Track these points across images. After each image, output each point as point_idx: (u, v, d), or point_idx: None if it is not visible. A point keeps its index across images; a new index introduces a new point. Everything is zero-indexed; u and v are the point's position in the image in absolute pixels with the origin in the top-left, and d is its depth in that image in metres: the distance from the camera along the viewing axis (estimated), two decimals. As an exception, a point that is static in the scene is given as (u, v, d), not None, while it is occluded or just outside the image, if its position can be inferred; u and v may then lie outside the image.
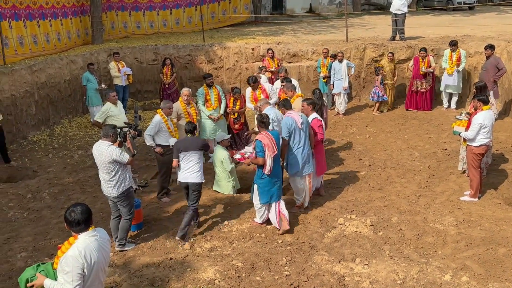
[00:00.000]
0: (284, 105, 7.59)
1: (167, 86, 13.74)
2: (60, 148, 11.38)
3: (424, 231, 6.89)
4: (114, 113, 8.92)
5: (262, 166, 6.76)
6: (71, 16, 15.81)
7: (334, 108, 13.28)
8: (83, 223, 3.86)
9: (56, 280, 3.87)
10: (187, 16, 19.52)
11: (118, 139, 6.46)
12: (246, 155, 7.32)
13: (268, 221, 7.19)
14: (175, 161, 6.97)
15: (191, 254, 6.50)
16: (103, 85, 12.75)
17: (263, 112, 7.69)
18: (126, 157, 6.27)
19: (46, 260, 6.32)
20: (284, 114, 7.49)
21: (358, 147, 10.56)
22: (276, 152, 6.71)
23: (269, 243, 6.72)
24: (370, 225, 7.08)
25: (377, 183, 8.61)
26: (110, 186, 6.34)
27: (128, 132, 6.70)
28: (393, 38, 14.51)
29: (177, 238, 6.82)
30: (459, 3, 23.89)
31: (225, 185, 8.40)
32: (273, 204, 6.98)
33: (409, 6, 14.95)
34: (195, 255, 6.48)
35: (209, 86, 9.88)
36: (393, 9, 14.57)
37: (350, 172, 9.19)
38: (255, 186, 6.98)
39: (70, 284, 3.72)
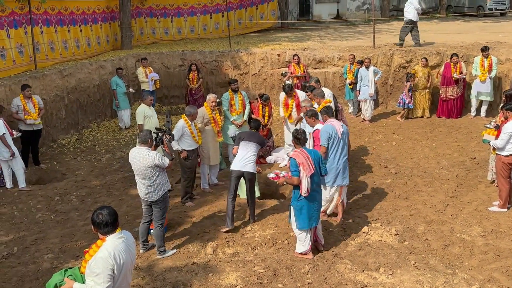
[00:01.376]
0: (327, 112, 7.45)
1: (193, 91, 13.88)
2: (88, 151, 11.59)
3: (450, 242, 6.75)
4: (149, 114, 9.32)
5: (298, 187, 6.24)
6: (101, 22, 16.13)
7: (360, 115, 13.18)
8: (111, 224, 3.91)
9: (84, 284, 3.92)
10: (214, 22, 19.69)
11: (154, 143, 6.60)
12: (281, 174, 7.19)
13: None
14: (235, 148, 7.65)
15: (214, 259, 6.52)
16: (131, 89, 13.02)
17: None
18: (166, 161, 6.42)
19: (71, 262, 6.45)
20: (325, 121, 7.38)
21: (384, 154, 10.42)
22: (312, 172, 6.16)
23: (291, 250, 6.68)
24: (395, 234, 6.97)
25: (403, 192, 8.49)
26: (150, 191, 6.42)
27: (164, 137, 6.86)
28: (400, 44, 14.34)
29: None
30: (490, 9, 23.39)
31: (244, 189, 8.40)
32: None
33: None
34: (218, 260, 6.50)
35: (234, 91, 9.97)
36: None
37: (375, 179, 9.08)
38: (292, 209, 6.44)
39: (100, 285, 3.75)
